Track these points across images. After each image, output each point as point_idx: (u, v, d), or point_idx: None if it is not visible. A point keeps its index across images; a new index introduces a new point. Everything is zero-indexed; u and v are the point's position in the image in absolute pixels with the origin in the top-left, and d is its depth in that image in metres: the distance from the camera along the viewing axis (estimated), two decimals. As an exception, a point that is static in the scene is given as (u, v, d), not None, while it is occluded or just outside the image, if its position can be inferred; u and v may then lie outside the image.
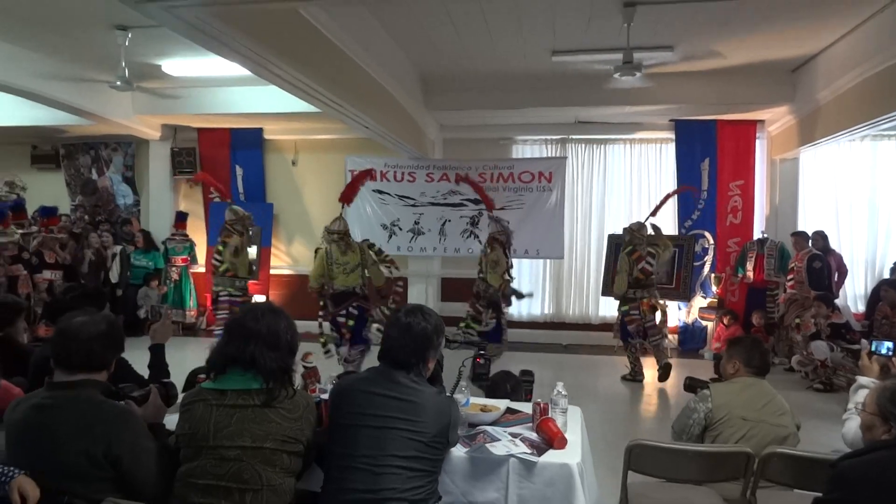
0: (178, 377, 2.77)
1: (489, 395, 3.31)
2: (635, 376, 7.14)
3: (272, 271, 9.52)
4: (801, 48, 6.90)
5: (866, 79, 6.20)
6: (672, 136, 9.03)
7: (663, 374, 6.83)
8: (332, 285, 6.10)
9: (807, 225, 8.63)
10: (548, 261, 9.31)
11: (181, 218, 9.70)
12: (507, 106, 8.35)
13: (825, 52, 6.90)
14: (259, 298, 8.48)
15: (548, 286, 9.52)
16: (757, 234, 8.65)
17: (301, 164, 9.85)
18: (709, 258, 8.95)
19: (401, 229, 9.04)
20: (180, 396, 2.43)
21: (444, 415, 2.23)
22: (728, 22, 6.06)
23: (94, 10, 5.52)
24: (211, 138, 9.80)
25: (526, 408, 2.87)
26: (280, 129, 9.54)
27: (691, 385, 3.32)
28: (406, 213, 9.06)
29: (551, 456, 2.41)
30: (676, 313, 8.98)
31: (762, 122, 8.81)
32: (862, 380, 2.86)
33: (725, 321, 8.38)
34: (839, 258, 8.15)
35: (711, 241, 8.92)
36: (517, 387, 3.56)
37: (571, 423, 2.71)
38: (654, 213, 7.28)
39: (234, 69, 5.43)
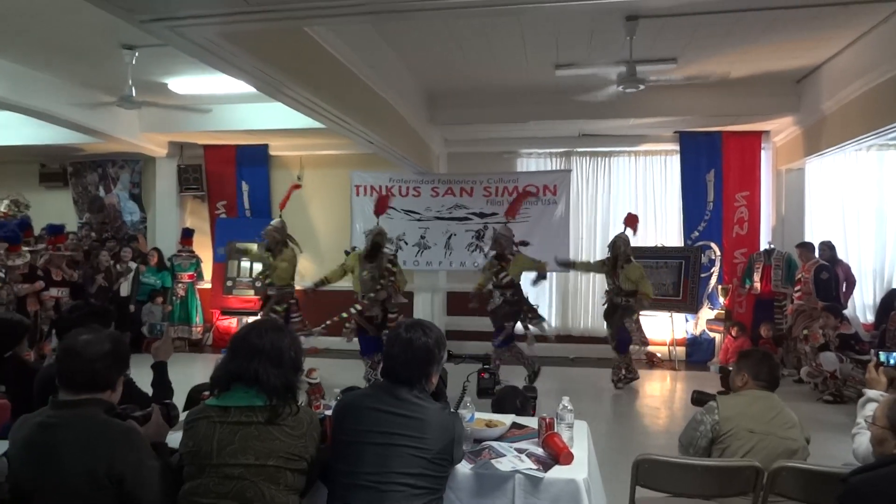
0: (183, 394, 2.77)
1: (495, 411, 3.29)
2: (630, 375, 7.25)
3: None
4: (805, 59, 6.90)
5: (871, 89, 6.19)
6: (677, 147, 9.03)
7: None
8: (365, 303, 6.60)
9: (814, 235, 8.58)
10: (554, 274, 9.28)
11: (187, 234, 9.74)
12: (511, 120, 8.38)
13: (829, 63, 6.89)
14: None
15: (554, 299, 9.50)
16: (763, 245, 8.62)
17: (306, 180, 9.87)
18: (715, 269, 8.91)
19: (406, 243, 9.04)
20: (183, 415, 2.42)
21: (448, 431, 2.21)
22: (730, 34, 6.07)
23: (102, 29, 5.58)
24: (217, 155, 9.87)
25: (532, 423, 2.85)
26: (285, 145, 9.60)
27: (699, 398, 3.30)
28: (411, 228, 9.07)
29: (558, 472, 2.39)
30: (684, 325, 8.93)
31: (767, 132, 8.80)
32: (870, 393, 2.78)
33: (733, 333, 8.32)
34: (847, 268, 8.09)
35: (718, 253, 8.89)
36: (525, 402, 3.56)
37: (578, 438, 2.69)
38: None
39: (240, 86, 5.49)
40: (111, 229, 10.27)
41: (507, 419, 2.87)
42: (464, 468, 2.40)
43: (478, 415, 2.87)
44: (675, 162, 9.13)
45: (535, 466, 2.40)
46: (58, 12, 5.26)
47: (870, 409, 2.57)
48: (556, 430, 2.59)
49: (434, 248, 9.06)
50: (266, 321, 2.33)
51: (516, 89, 7.91)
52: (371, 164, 9.05)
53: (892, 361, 3.03)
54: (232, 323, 9.45)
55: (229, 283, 9.57)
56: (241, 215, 9.96)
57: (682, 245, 8.90)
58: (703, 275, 8.74)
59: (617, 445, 4.93)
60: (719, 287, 8.88)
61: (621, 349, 7.25)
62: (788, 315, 8.08)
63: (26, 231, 8.11)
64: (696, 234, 8.94)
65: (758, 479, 2.65)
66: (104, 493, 1.98)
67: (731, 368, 3.33)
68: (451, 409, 2.57)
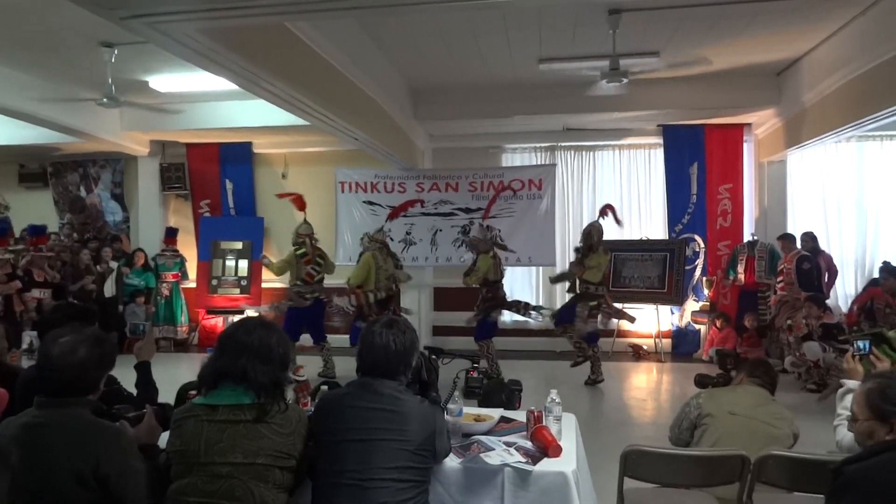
0: (170, 393, 2.74)
1: (482, 405, 3.30)
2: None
3: (264, 285, 9.46)
4: (786, 51, 6.96)
5: (850, 80, 6.25)
6: (660, 141, 9.08)
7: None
8: (377, 291, 7.01)
9: (796, 226, 8.68)
10: (540, 268, 9.31)
11: (171, 233, 9.65)
12: (495, 115, 8.39)
13: (809, 55, 6.96)
14: (251, 312, 8.45)
15: (540, 293, 9.52)
16: (747, 237, 8.69)
17: (291, 177, 9.83)
18: (700, 262, 8.99)
19: (392, 239, 9.01)
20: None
21: (428, 422, 2.22)
22: (713, 27, 6.11)
23: (79, 27, 5.50)
24: (200, 153, 9.78)
25: (520, 416, 2.86)
26: (269, 142, 9.53)
27: (701, 381, 3.53)
28: (397, 224, 9.04)
29: (546, 464, 2.40)
30: (669, 317, 9.00)
31: (749, 125, 8.87)
32: (849, 383, 2.74)
33: (718, 324, 8.41)
34: (829, 258, 8.18)
35: (702, 245, 8.96)
36: (511, 396, 3.58)
37: (566, 431, 2.70)
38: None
39: (222, 84, 5.43)
40: (93, 230, 10.16)
41: (496, 413, 2.88)
42: (453, 462, 2.40)
43: (466, 409, 2.88)
44: (658, 155, 9.18)
45: (523, 460, 2.41)
46: (33, 9, 5.17)
47: (849, 400, 2.54)
48: (544, 423, 2.61)
49: (420, 243, 9.04)
50: (254, 318, 2.31)
51: (500, 84, 7.91)
52: (356, 160, 9.02)
53: (861, 345, 2.95)
54: (217, 322, 9.38)
55: (214, 282, 9.49)
56: (226, 213, 9.89)
57: (667, 238, 8.96)
58: (687, 267, 8.81)
59: (605, 437, 4.95)
60: (704, 279, 8.96)
61: (591, 340, 7.18)
62: (772, 306, 8.17)
63: (6, 234, 8.01)
64: (681, 226, 9.00)
65: (744, 467, 2.67)
66: (91, 493, 1.96)
67: (727, 351, 3.59)
68: (442, 402, 2.58)
